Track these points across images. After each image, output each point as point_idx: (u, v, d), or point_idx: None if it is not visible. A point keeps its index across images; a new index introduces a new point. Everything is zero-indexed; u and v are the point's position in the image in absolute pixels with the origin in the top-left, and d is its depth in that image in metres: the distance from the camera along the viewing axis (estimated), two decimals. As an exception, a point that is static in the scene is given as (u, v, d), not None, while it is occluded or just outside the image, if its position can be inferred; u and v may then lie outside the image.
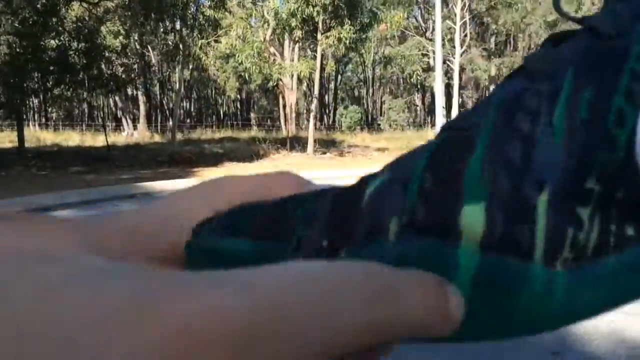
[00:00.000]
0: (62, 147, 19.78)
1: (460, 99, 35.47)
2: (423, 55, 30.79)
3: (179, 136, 22.65)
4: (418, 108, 48.63)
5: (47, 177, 12.05)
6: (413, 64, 33.14)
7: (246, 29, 19.02)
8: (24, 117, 23.90)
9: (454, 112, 22.92)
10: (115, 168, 13.56)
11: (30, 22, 16.20)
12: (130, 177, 11.56)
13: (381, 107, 46.86)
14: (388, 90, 49.64)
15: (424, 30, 33.14)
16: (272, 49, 22.74)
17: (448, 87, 31.64)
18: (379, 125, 38.35)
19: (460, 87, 35.19)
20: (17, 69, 16.06)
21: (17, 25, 16.80)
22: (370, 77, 49.06)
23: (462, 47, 25.87)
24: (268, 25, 20.84)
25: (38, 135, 23.38)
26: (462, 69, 32.16)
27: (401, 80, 46.42)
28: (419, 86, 43.22)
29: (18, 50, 17.02)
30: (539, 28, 33.04)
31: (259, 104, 48.95)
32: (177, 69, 23.45)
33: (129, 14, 17.87)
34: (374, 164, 15.56)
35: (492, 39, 36.43)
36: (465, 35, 26.78)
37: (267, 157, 17.08)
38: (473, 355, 2.94)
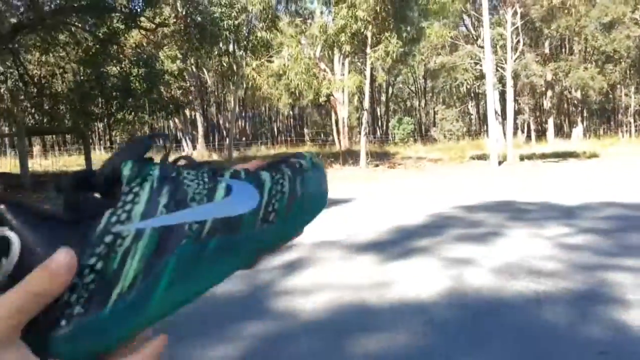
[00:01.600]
0: (126, 169, 20.64)
1: (517, 106, 34.83)
2: (475, 63, 30.50)
3: (235, 154, 23.26)
4: (472, 117, 48.00)
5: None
6: (465, 73, 32.86)
7: (296, 47, 19.47)
8: (90, 141, 25.12)
9: (510, 119, 22.59)
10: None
11: (93, 51, 17.16)
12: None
13: (434, 118, 46.49)
14: (441, 100, 49.22)
15: (475, 38, 32.83)
16: (322, 65, 23.11)
17: (503, 94, 31.14)
18: (433, 135, 38.07)
19: (516, 94, 34.58)
20: (82, 95, 17.02)
21: (80, 54, 17.83)
22: (422, 87, 48.85)
23: (515, 53, 25.52)
24: (317, 41, 21.25)
25: (104, 158, 24.51)
26: (516, 75, 31.63)
27: (454, 89, 45.98)
28: (472, 95, 42.70)
29: (82, 77, 18.04)
30: (595, 30, 32.16)
31: (311, 120, 49.50)
32: (231, 90, 24.17)
33: (185, 39, 18.62)
34: (427, 175, 15.55)
35: (547, 43, 35.65)
36: (518, 42, 26.40)
37: (321, 171, 17.36)
38: (520, 354, 3.04)
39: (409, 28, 19.42)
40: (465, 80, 33.93)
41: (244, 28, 20.10)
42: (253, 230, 0.42)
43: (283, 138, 43.49)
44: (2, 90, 17.87)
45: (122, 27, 16.90)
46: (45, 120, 17.36)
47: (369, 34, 18.21)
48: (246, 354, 3.20)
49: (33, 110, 17.98)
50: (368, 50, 18.86)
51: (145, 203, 0.38)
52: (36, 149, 33.19)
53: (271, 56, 21.89)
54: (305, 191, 0.46)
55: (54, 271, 0.32)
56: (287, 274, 4.96)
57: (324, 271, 5.01)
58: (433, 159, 21.30)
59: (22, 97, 17.99)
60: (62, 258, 0.32)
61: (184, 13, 18.40)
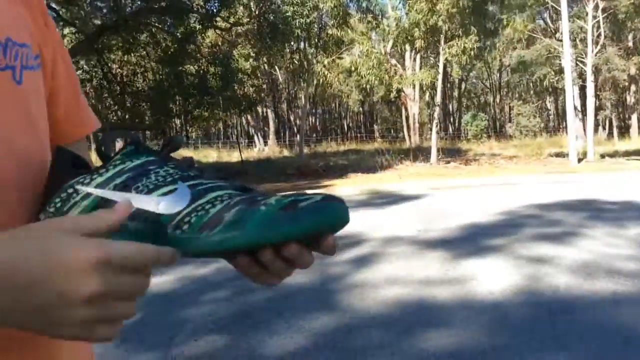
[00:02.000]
0: (202, 163, 21.41)
1: (598, 101, 33.23)
2: (554, 57, 29.36)
3: (305, 150, 23.54)
4: (550, 113, 46.24)
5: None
6: (543, 67, 31.68)
7: (367, 43, 19.44)
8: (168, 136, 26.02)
9: (590, 115, 21.61)
10: (249, 181, 14.49)
11: (172, 50, 17.80)
12: (263, 189, 12.32)
13: (509, 113, 45.13)
14: (517, 95, 47.71)
15: (553, 31, 31.57)
16: (393, 61, 22.96)
17: (583, 89, 29.81)
18: (508, 132, 36.98)
19: (597, 89, 32.98)
20: (161, 93, 17.71)
21: (160, 53, 18.55)
22: (497, 82, 47.51)
23: (596, 47, 24.39)
24: (389, 36, 21.12)
25: (180, 153, 25.39)
26: (597, 70, 30.17)
27: (531, 84, 44.42)
28: (550, 90, 41.12)
29: (162, 76, 18.77)
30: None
31: (382, 116, 49.25)
32: (302, 87, 24.45)
33: (258, 38, 19.01)
34: (502, 172, 15.17)
35: (630, 36, 33.81)
36: (599, 35, 25.20)
37: (391, 167, 17.27)
38: (595, 355, 2.97)
39: (488, 23, 18.97)
40: (543, 74, 32.68)
41: (315, 26, 20.27)
42: (165, 230, 0.51)
43: (353, 134, 43.51)
44: (87, 89, 18.86)
45: (199, 27, 17.44)
46: (127, 117, 18.20)
47: (444, 29, 17.89)
48: (318, 344, 3.29)
49: (116, 108, 18.90)
50: (442, 45, 18.57)
51: (105, 178, 0.53)
52: (118, 144, 34.83)
53: (342, 53, 21.97)
54: (238, 222, 0.50)
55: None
56: (358, 268, 5.02)
57: (394, 266, 5.03)
58: (508, 156, 20.72)
59: (106, 95, 18.94)
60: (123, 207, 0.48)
61: (257, 12, 18.78)
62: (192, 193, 0.52)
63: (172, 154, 0.58)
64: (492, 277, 4.53)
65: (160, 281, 4.84)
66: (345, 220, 0.53)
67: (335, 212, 0.52)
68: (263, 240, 0.51)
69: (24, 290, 0.41)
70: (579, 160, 17.26)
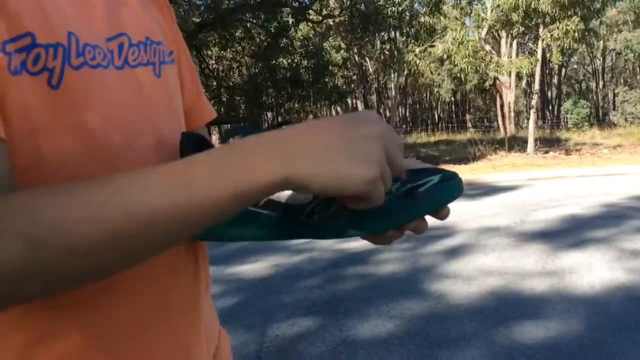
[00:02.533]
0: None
1: None
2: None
3: (396, 141, 23.30)
4: (660, 98, 42.95)
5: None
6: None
7: (461, 30, 18.92)
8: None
9: None
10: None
11: (265, 45, 18.26)
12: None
13: (614, 100, 42.42)
14: (622, 81, 44.72)
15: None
16: (487, 47, 22.23)
17: (698, 72, 27.43)
18: (611, 120, 34.80)
19: None
20: (255, 87, 18.23)
21: (254, 48, 19.08)
22: (601, 67, 44.75)
23: None
24: (485, 22, 20.44)
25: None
26: None
27: (638, 68, 41.48)
28: (660, 74, 38.22)
29: (256, 70, 19.31)
30: None
31: (474, 105, 47.86)
32: (392, 77, 24.26)
33: (350, 29, 19.06)
34: (604, 162, 14.35)
35: None
36: None
37: (484, 158, 16.80)
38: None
39: (594, 2, 17.84)
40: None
41: (407, 14, 20.00)
42: (295, 218, 0.56)
43: (443, 125, 42.62)
44: (187, 84, 19.75)
45: (292, 20, 17.76)
46: (222, 110, 18.90)
47: (546, 11, 17.04)
48: (409, 332, 3.32)
49: (213, 102, 19.69)
50: (541, 30, 17.75)
51: None
52: (214, 137, 36.21)
53: (434, 41, 21.55)
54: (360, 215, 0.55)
55: None
56: (450, 258, 4.98)
57: (489, 258, 4.94)
58: (611, 146, 19.52)
59: (204, 89, 19.76)
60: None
61: (348, 3, 18.83)
62: None
63: None
64: (593, 270, 4.35)
65: (256, 268, 5.05)
66: (460, 194, 0.58)
67: (451, 191, 0.57)
68: (383, 230, 0.56)
69: (333, 128, 0.48)
70: (694, 149, 15.98)
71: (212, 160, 0.45)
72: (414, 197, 0.55)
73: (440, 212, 0.59)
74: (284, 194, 0.55)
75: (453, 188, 0.57)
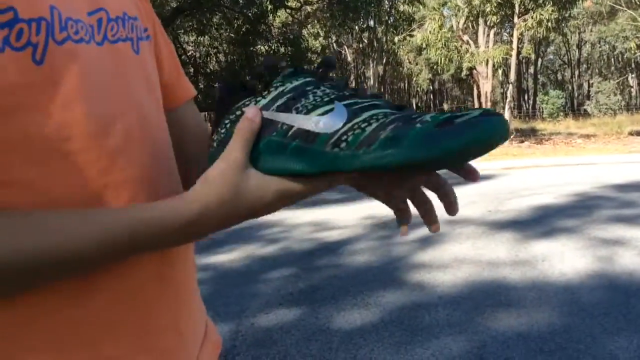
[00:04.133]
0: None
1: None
2: (637, 29, 27.64)
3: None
4: (632, 90, 43.73)
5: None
6: (625, 41, 29.93)
7: (438, 19, 18.98)
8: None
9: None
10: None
11: (243, 31, 18.09)
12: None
13: (588, 91, 43.06)
14: (596, 71, 45.38)
15: (638, 2, 29.69)
16: (465, 37, 22.33)
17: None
18: (586, 110, 35.33)
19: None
20: (233, 74, 18.08)
21: (232, 34, 18.89)
22: (576, 58, 45.33)
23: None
24: (461, 13, 20.54)
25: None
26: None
27: (612, 60, 42.12)
28: (633, 65, 38.85)
29: (233, 57, 19.13)
30: None
31: (452, 95, 48.18)
32: (371, 65, 24.25)
33: (329, 16, 18.99)
34: (578, 151, 14.58)
35: None
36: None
37: (461, 147, 16.94)
38: (614, 320, 2.88)
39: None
40: (625, 49, 30.88)
41: (386, 2, 19.98)
42: (324, 148, 0.54)
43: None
44: (163, 71, 19.50)
45: (270, 7, 17.61)
46: (200, 97, 18.73)
47: (516, 2, 17.21)
48: (384, 320, 3.35)
49: (190, 89, 19.46)
50: (516, 19, 17.90)
51: (268, 99, 0.57)
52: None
53: (412, 30, 21.59)
54: (395, 139, 0.51)
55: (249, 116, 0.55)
56: (425, 247, 5.03)
57: (463, 246, 5.00)
58: (585, 135, 19.84)
59: (181, 76, 19.51)
60: (251, 110, 0.56)
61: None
62: (348, 112, 0.55)
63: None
64: (565, 258, 4.42)
65: (231, 257, 5.04)
66: (504, 135, 0.51)
67: (494, 126, 0.50)
68: (419, 157, 0.51)
69: (242, 210, 0.55)
70: (664, 139, 16.32)
71: (130, 225, 0.50)
72: (452, 125, 0.50)
73: (468, 167, 0.60)
74: (321, 125, 0.54)
75: (496, 124, 0.50)
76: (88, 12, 0.56)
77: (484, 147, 0.51)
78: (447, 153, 0.50)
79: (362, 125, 0.53)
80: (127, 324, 0.56)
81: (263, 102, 0.57)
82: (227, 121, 0.59)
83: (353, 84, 37.62)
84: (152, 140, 0.61)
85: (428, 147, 0.50)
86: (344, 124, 0.54)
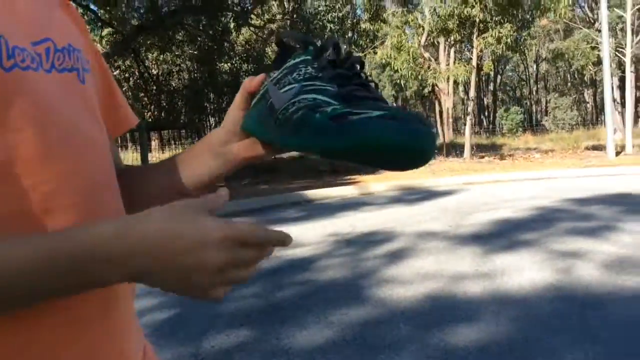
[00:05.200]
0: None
1: (638, 93, 32.25)
2: (592, 48, 28.61)
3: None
4: (588, 105, 45.13)
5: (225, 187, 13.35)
6: (580, 59, 30.93)
7: (401, 37, 19.28)
8: (203, 135, 26.44)
9: (629, 108, 21.02)
10: (281, 179, 14.60)
11: (206, 49, 18.06)
12: (295, 187, 12.41)
13: (546, 107, 44.24)
14: (553, 88, 46.71)
15: (592, 21, 30.77)
16: (426, 54, 22.73)
17: (623, 81, 29.01)
18: (544, 126, 36.26)
19: (638, 80, 31.99)
20: (196, 92, 18.00)
21: (195, 52, 18.83)
22: (534, 75, 46.60)
23: (636, 37, 23.70)
24: (423, 30, 20.90)
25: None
26: (638, 60, 29.29)
27: (568, 76, 43.43)
28: (588, 82, 40.13)
29: (196, 74, 19.06)
30: None
31: (415, 111, 48.84)
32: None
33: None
34: (536, 166, 14.92)
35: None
36: (640, 24, 24.48)
37: (424, 163, 17.13)
38: (627, 352, 2.94)
39: (524, 13, 18.54)
40: (581, 66, 31.90)
41: (348, 20, 20.22)
42: (272, 121, 0.62)
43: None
44: (125, 88, 19.25)
45: (234, 24, 17.65)
46: (163, 115, 18.55)
47: (477, 20, 17.62)
48: (346, 338, 3.33)
49: (152, 107, 19.28)
50: (475, 37, 18.32)
51: (278, 71, 0.65)
52: (154, 143, 35.41)
53: (375, 47, 21.86)
54: (299, 125, 0.58)
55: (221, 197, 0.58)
56: (388, 263, 5.04)
57: (426, 261, 5.03)
58: (544, 150, 20.34)
59: (143, 94, 19.33)
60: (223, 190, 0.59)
61: (290, 9, 18.87)
62: (295, 93, 0.59)
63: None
64: (524, 272, 4.50)
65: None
66: (408, 145, 0.48)
67: (387, 132, 0.47)
68: (310, 149, 0.55)
69: (177, 254, 0.51)
70: (617, 153, 16.85)
71: (51, 256, 0.49)
72: (342, 123, 0.50)
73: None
74: (276, 96, 0.63)
75: (389, 129, 0.47)
76: (33, 42, 0.58)
77: (376, 153, 0.49)
78: (328, 152, 0.54)
79: (290, 109, 0.59)
80: (72, 354, 0.56)
81: (275, 73, 0.66)
82: (265, 83, 0.67)
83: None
84: (97, 167, 0.63)
85: (315, 139, 0.54)
86: (285, 103, 0.60)
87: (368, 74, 0.61)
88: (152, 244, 0.50)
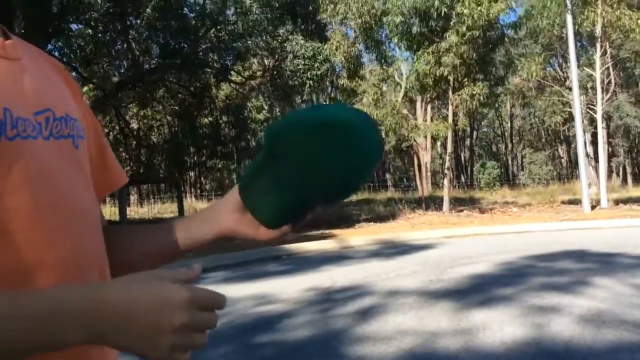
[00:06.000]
0: (215, 215, 21.41)
1: (610, 148, 33.19)
2: (563, 104, 29.54)
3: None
4: (563, 160, 46.18)
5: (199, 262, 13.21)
6: (553, 115, 31.86)
7: (377, 94, 19.74)
8: (182, 189, 26.37)
9: (602, 162, 21.55)
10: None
11: (187, 104, 18.25)
12: (276, 240, 12.32)
13: (522, 162, 45.15)
14: (528, 143, 47.81)
15: (563, 79, 31.88)
16: (404, 111, 23.22)
17: (596, 136, 29.83)
18: (520, 180, 36.89)
19: (610, 136, 32.99)
20: (176, 146, 18.06)
21: (175, 107, 19.01)
22: (508, 131, 47.71)
23: (606, 94, 24.56)
24: (400, 88, 21.43)
25: (194, 206, 25.60)
26: (609, 117, 30.27)
27: (542, 132, 44.57)
28: (562, 137, 41.21)
29: (177, 129, 19.17)
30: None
31: (394, 165, 49.44)
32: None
33: (272, 90, 19.43)
34: (514, 220, 15.08)
35: (641, 83, 34.00)
36: (609, 82, 25.44)
37: (403, 216, 17.24)
38: None
39: (495, 70, 19.15)
40: (554, 122, 32.82)
41: (327, 79, 20.68)
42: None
43: (366, 184, 43.48)
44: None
45: (214, 80, 17.92)
46: (142, 170, 18.50)
47: (451, 79, 18.16)
48: (328, 396, 3.26)
49: (132, 162, 19.25)
50: (450, 95, 18.82)
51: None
52: (133, 197, 35.15)
53: (353, 103, 22.30)
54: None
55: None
56: (368, 319, 5.00)
57: (406, 317, 5.00)
58: (521, 204, 20.61)
59: (122, 149, 19.33)
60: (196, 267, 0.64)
61: (270, 66, 19.27)
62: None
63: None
64: (504, 327, 4.48)
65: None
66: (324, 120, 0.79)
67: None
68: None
69: (137, 316, 0.55)
70: (592, 207, 17.13)
71: (22, 314, 0.53)
72: None
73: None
74: None
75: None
76: (35, 112, 0.66)
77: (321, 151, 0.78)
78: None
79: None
80: None
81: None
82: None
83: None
84: (86, 227, 0.70)
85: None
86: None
87: None
88: (114, 306, 0.55)
